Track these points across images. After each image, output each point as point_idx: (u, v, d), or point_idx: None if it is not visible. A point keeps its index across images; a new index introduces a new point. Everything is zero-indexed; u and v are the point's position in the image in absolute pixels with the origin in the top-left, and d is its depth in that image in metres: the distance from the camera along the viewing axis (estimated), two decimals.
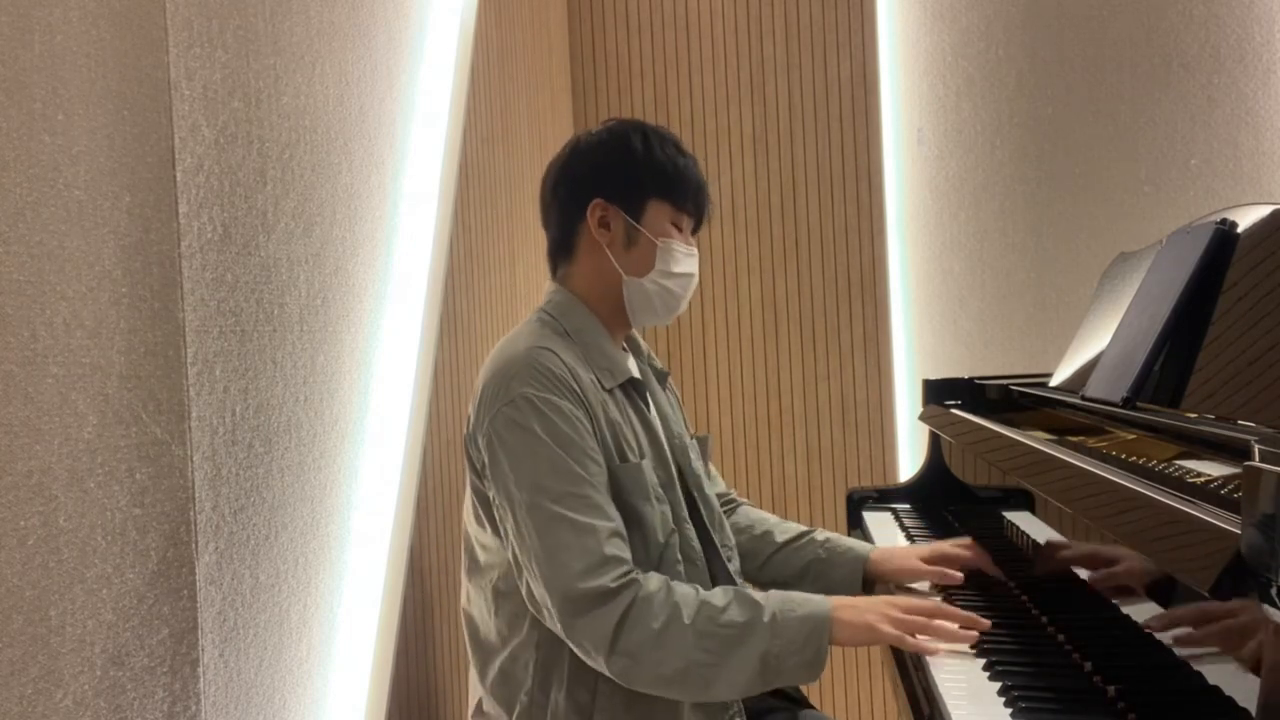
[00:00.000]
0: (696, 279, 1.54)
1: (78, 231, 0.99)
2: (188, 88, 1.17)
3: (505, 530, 1.35)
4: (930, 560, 1.57)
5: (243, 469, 1.24)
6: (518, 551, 1.33)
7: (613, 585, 1.27)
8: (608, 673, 1.29)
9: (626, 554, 1.31)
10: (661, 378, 1.61)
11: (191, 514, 1.14)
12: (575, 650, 1.31)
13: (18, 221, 0.91)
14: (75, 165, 0.99)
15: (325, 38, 1.51)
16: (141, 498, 1.05)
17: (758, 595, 1.32)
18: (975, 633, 1.28)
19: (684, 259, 1.50)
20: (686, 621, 1.26)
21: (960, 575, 1.52)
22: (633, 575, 1.29)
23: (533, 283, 2.55)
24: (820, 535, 1.67)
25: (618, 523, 1.33)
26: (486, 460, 1.36)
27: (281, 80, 1.37)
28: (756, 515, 1.73)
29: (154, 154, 1.10)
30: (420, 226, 1.89)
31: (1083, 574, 1.26)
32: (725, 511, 1.69)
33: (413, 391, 1.80)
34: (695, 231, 1.56)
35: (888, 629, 1.27)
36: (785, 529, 1.69)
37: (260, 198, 1.31)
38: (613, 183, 1.48)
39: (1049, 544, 1.39)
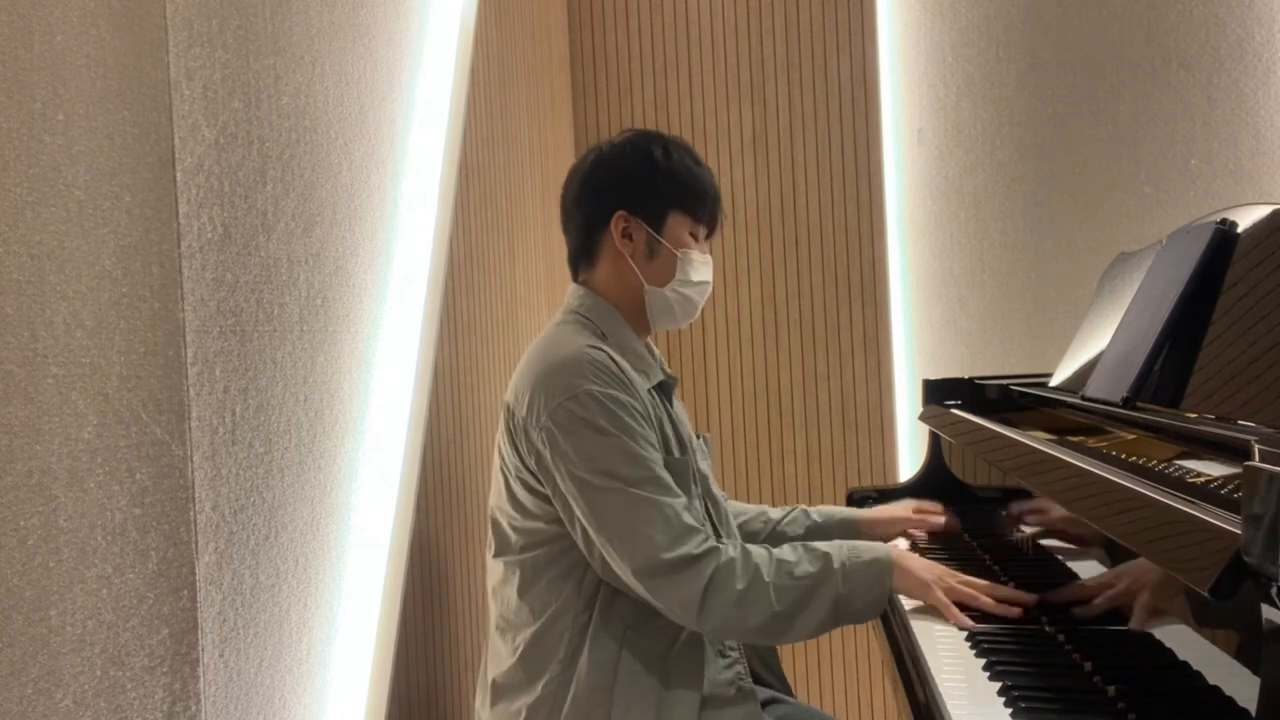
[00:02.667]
0: (711, 285, 1.63)
1: (78, 231, 0.99)
2: (188, 88, 1.17)
3: (573, 512, 1.42)
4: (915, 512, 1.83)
5: (243, 469, 1.24)
6: (594, 533, 1.40)
7: (697, 552, 1.37)
8: (697, 629, 1.40)
9: (699, 523, 1.41)
10: (672, 384, 1.66)
11: (191, 514, 1.14)
12: (664, 612, 1.39)
13: (18, 221, 0.91)
14: (75, 165, 0.99)
15: (325, 38, 1.51)
16: (141, 498, 1.05)
17: (822, 546, 1.44)
18: (1017, 609, 1.38)
19: (701, 267, 1.59)
20: (767, 579, 1.37)
21: (940, 520, 1.80)
22: (713, 542, 1.39)
23: (533, 283, 2.55)
24: (808, 508, 1.83)
25: (684, 497, 1.43)
26: (546, 452, 1.42)
27: (281, 80, 1.37)
28: (740, 506, 1.86)
29: (154, 154, 1.10)
30: (420, 226, 1.89)
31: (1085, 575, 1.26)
32: None
33: (413, 391, 1.80)
34: (709, 238, 1.64)
35: (939, 595, 1.40)
36: (776, 510, 1.84)
37: (260, 198, 1.31)
38: (635, 195, 1.55)
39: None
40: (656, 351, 1.68)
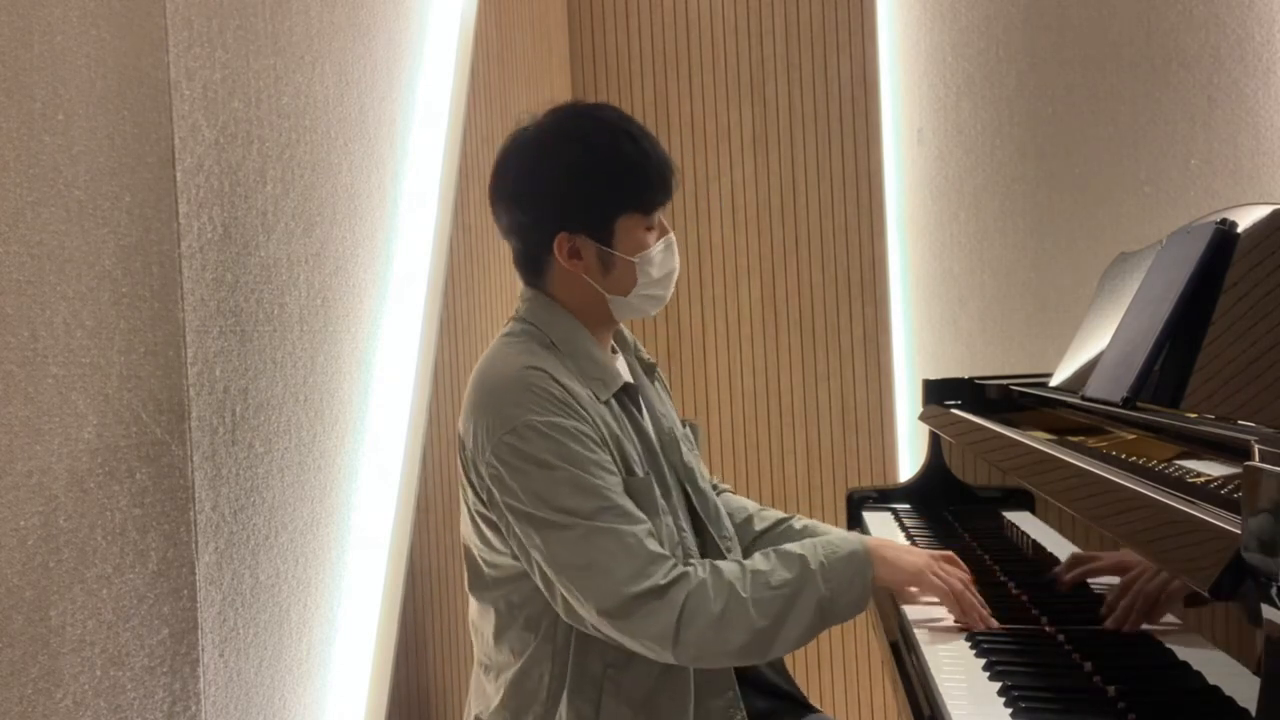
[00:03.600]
0: (678, 266, 1.46)
1: (78, 231, 0.99)
2: (188, 88, 1.17)
3: (529, 553, 1.32)
4: None
5: (243, 469, 1.24)
6: (550, 572, 1.30)
7: (664, 581, 1.27)
8: (675, 662, 1.31)
9: (664, 549, 1.32)
10: (649, 370, 1.57)
11: (191, 514, 1.14)
12: (638, 649, 1.30)
13: (18, 221, 0.91)
14: (75, 165, 0.99)
15: (325, 38, 1.51)
16: (141, 498, 1.05)
17: (795, 548, 1.35)
18: (985, 623, 1.33)
19: (663, 259, 1.43)
20: (744, 595, 1.28)
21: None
22: (680, 569, 1.30)
23: None
24: (798, 523, 1.64)
25: (647, 522, 1.33)
26: (494, 489, 1.32)
27: (281, 80, 1.37)
28: (736, 503, 1.70)
29: (154, 154, 1.10)
30: (420, 227, 1.89)
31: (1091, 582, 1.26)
32: None
33: (413, 391, 1.80)
34: (667, 202, 1.45)
35: (935, 580, 1.34)
36: (764, 516, 1.66)
37: (260, 198, 1.31)
38: (574, 213, 1.38)
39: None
40: (630, 337, 1.57)
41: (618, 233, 1.40)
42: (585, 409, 1.34)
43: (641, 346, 1.61)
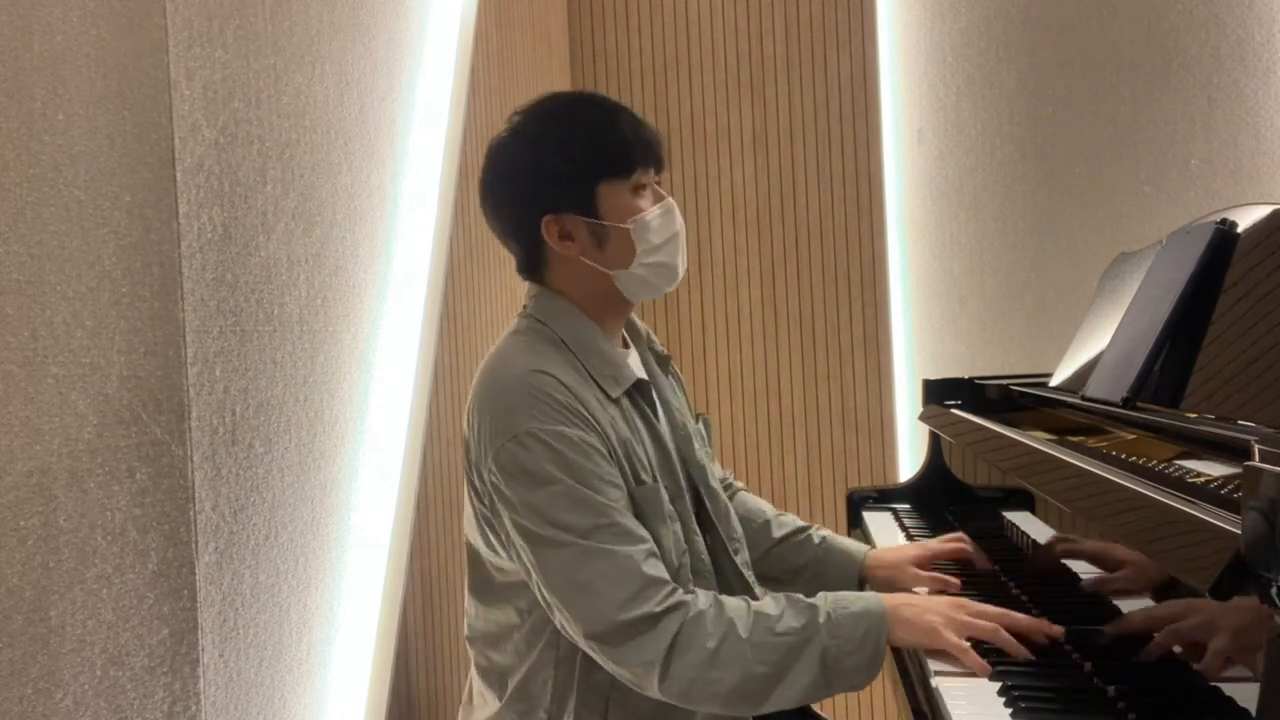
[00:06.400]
0: (682, 229, 1.41)
1: (78, 231, 0.99)
2: (188, 88, 1.17)
3: (527, 567, 1.29)
4: (922, 564, 1.54)
5: (243, 469, 1.24)
6: (545, 590, 1.26)
7: (658, 610, 1.21)
8: (662, 698, 1.23)
9: (665, 573, 1.25)
10: (664, 362, 1.54)
11: (191, 514, 1.14)
12: (622, 679, 1.25)
13: (18, 221, 0.91)
14: (75, 165, 0.99)
15: (325, 38, 1.51)
16: (141, 498, 1.05)
17: (808, 599, 1.27)
18: (1043, 642, 1.21)
19: (661, 224, 1.37)
20: (743, 635, 1.21)
21: (958, 581, 1.47)
22: (678, 596, 1.23)
23: None
24: (817, 534, 1.63)
25: (650, 542, 1.27)
26: (495, 497, 1.29)
27: (281, 80, 1.37)
28: (754, 504, 1.68)
29: (154, 154, 1.10)
30: (420, 226, 1.89)
31: (1082, 573, 1.26)
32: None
33: (413, 391, 1.80)
34: (659, 171, 1.41)
35: (950, 636, 1.20)
36: (783, 522, 1.65)
37: (260, 198, 1.31)
38: (549, 192, 1.36)
39: (1051, 542, 1.38)
40: (643, 328, 1.53)
41: (601, 202, 1.35)
42: (594, 416, 1.29)
43: (655, 338, 1.57)
